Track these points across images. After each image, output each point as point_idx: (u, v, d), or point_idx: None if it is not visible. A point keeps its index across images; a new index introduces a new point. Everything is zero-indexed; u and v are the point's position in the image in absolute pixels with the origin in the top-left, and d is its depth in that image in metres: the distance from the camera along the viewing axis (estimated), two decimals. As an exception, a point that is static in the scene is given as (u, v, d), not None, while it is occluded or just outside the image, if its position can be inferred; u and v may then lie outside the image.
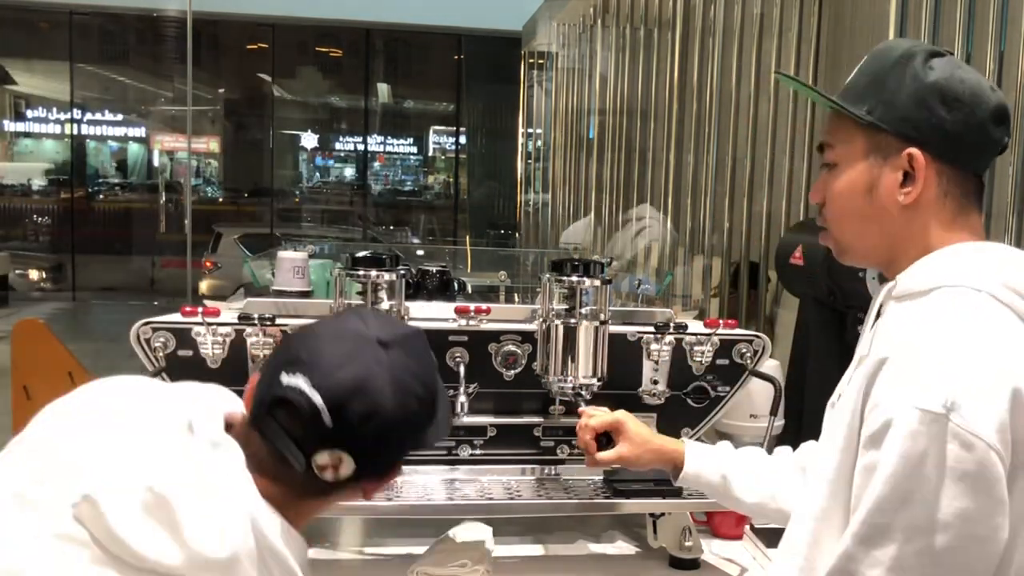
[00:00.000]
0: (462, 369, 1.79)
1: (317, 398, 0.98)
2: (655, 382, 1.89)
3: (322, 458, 1.00)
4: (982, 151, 1.14)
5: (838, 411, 1.12)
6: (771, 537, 1.89)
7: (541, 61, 6.89)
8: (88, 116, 14.60)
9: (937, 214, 1.13)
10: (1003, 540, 0.96)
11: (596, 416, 1.55)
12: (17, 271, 11.54)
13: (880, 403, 1.00)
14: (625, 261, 3.81)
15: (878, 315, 1.18)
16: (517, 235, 7.34)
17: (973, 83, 1.12)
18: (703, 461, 1.50)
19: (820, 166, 1.23)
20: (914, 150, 1.11)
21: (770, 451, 1.72)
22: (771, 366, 2.01)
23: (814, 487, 1.12)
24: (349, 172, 12.76)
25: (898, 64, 1.13)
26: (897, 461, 0.96)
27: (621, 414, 1.55)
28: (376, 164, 12.71)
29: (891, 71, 1.13)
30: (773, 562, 1.20)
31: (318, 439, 1.00)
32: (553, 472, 1.88)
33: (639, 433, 1.53)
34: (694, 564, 1.78)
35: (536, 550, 1.86)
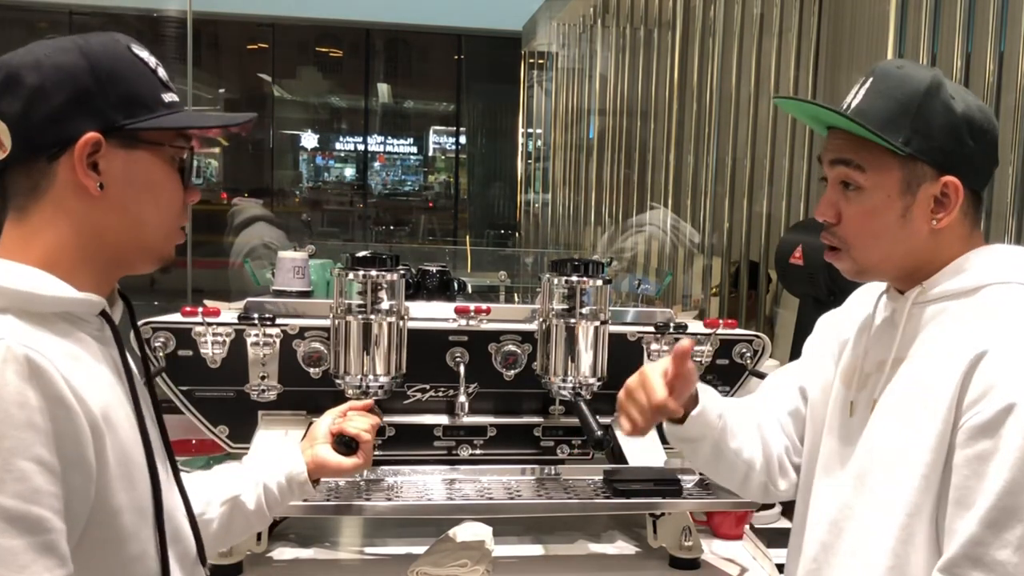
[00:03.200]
0: (462, 369, 1.79)
1: None
2: (655, 382, 1.89)
3: None
4: (990, 172, 1.23)
5: (904, 414, 1.14)
6: (771, 537, 1.90)
7: (541, 61, 6.89)
8: (88, 116, 14.48)
9: (957, 231, 1.19)
10: None
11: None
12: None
13: (990, 392, 1.04)
14: (624, 262, 3.81)
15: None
16: (517, 235, 7.33)
17: (986, 110, 1.20)
18: (711, 398, 1.38)
19: (822, 179, 1.24)
20: (954, 179, 1.16)
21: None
22: (771, 366, 2.01)
23: (896, 485, 1.13)
24: (349, 172, 12.75)
25: (929, 94, 1.16)
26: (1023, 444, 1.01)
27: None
28: (376, 164, 12.70)
29: (924, 102, 1.15)
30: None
31: None
32: (553, 472, 1.88)
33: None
34: (694, 564, 1.78)
35: (536, 550, 1.86)
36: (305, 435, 1.49)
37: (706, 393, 1.40)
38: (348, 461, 1.41)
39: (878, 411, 1.19)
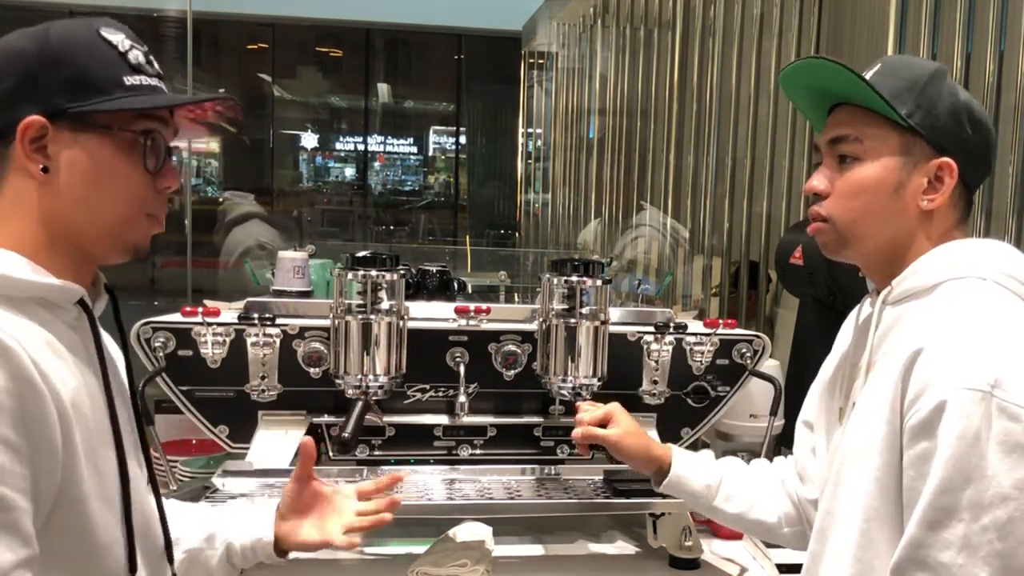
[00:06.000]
0: (462, 369, 1.79)
1: None
2: (655, 382, 1.89)
3: None
4: (985, 172, 1.22)
5: (864, 415, 1.14)
6: (771, 537, 1.89)
7: (541, 61, 6.87)
8: (88, 116, 14.43)
9: (942, 222, 1.19)
10: None
11: (588, 412, 1.57)
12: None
13: (926, 391, 1.03)
14: (624, 262, 3.81)
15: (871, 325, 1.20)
16: (517, 235, 7.32)
17: (985, 112, 1.20)
18: (689, 468, 1.51)
19: (815, 163, 1.24)
20: (949, 160, 1.15)
21: (771, 451, 1.72)
22: (771, 366, 2.01)
23: (855, 490, 1.12)
24: (349, 172, 12.74)
25: (935, 77, 1.17)
26: (955, 442, 0.99)
27: (614, 406, 1.57)
28: (376, 164, 12.69)
29: (930, 82, 1.16)
30: None
31: None
32: (553, 472, 1.88)
33: (632, 424, 1.55)
34: (694, 564, 1.78)
35: (536, 550, 1.86)
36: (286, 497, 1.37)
37: (683, 463, 1.50)
38: (313, 540, 1.34)
39: (851, 417, 1.19)
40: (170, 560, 1.15)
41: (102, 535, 0.98)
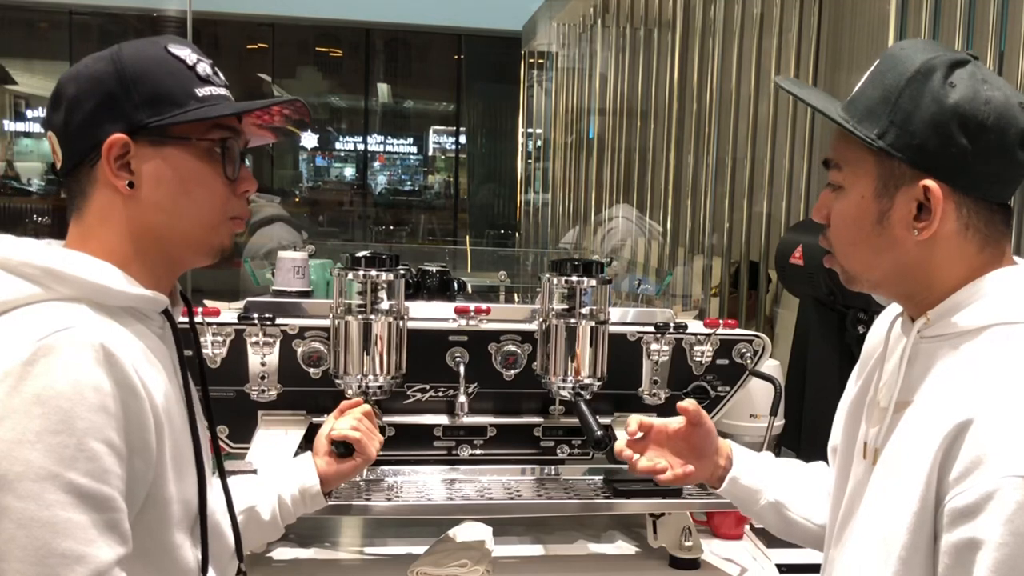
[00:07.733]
0: (462, 369, 1.79)
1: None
2: (655, 382, 1.89)
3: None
4: (1008, 180, 1.02)
5: (892, 479, 1.01)
6: (771, 537, 1.89)
7: (541, 61, 6.88)
8: (88, 116, 14.46)
9: (959, 248, 1.02)
10: None
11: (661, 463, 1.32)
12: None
13: (974, 471, 0.90)
14: (607, 250, 3.82)
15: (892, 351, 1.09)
16: (517, 235, 7.33)
17: (1000, 103, 0.98)
18: (748, 466, 1.37)
19: (826, 184, 1.13)
20: (930, 182, 0.98)
21: (770, 451, 1.71)
22: (771, 366, 2.01)
23: (879, 561, 1.00)
24: (349, 172, 12.75)
25: (914, 81, 0.99)
26: (1011, 540, 0.87)
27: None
28: (376, 164, 12.70)
29: (906, 88, 0.99)
30: None
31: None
32: (553, 472, 1.88)
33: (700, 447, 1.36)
34: (694, 564, 1.78)
35: (536, 550, 1.86)
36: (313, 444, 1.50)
37: (744, 461, 1.36)
38: (346, 464, 1.44)
39: (877, 468, 1.06)
40: (240, 558, 1.22)
41: (177, 535, 1.04)
